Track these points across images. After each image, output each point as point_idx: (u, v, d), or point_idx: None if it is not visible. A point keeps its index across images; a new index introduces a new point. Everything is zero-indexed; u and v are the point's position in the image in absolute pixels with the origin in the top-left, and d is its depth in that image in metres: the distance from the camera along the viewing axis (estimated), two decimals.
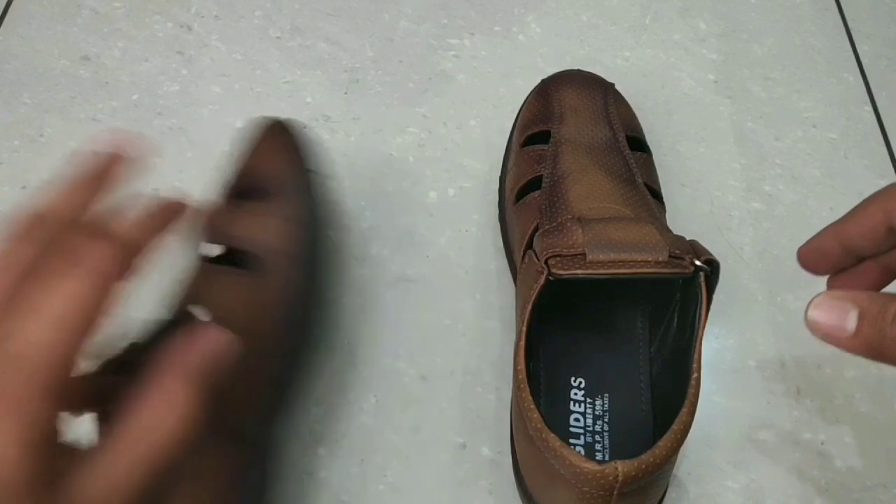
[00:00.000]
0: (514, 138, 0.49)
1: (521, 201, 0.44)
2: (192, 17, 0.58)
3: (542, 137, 0.46)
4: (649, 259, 0.35)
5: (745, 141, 0.55)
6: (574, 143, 0.45)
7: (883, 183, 0.53)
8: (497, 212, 0.49)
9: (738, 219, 0.51)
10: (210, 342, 0.27)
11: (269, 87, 0.55)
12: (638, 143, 0.47)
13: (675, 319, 0.39)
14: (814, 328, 0.30)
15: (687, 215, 0.50)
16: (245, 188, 0.41)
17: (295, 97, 0.55)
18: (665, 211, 0.44)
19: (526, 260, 0.39)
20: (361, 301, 0.47)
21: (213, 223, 0.38)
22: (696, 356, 0.34)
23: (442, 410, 0.44)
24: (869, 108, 0.57)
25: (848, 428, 0.44)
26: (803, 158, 0.54)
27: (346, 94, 0.55)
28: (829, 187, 0.53)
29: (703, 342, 0.35)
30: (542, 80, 0.50)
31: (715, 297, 0.37)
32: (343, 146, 0.53)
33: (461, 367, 0.45)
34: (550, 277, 0.36)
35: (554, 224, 0.39)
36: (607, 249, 0.36)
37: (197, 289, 0.37)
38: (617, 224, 0.38)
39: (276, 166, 0.41)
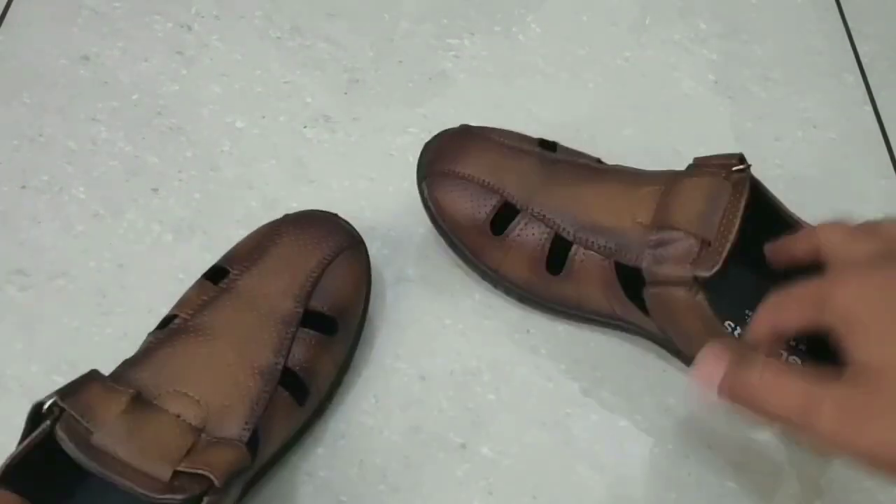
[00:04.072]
0: (468, 244, 0.46)
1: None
2: (192, 17, 0.58)
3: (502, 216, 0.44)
4: None
5: (745, 141, 0.55)
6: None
7: (883, 183, 0.54)
8: None
9: None
10: None
11: (269, 87, 0.55)
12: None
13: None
14: (693, 378, 0.33)
15: None
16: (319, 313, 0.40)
17: (295, 97, 0.55)
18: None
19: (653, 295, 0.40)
20: None
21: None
22: None
23: (442, 410, 0.44)
24: (869, 108, 0.57)
25: None
26: (803, 158, 0.54)
27: (346, 94, 0.55)
28: (829, 187, 0.53)
29: None
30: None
31: None
32: (343, 146, 0.53)
33: (461, 367, 0.45)
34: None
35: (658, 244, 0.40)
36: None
37: None
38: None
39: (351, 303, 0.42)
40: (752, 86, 0.57)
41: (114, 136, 0.52)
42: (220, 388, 0.36)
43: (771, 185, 0.40)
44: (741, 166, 0.39)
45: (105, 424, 0.32)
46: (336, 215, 0.44)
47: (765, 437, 0.43)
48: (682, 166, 0.43)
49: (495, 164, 0.44)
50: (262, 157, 0.52)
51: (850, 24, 0.61)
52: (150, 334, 0.38)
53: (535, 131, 0.47)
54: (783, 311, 0.33)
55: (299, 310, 0.39)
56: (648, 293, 0.40)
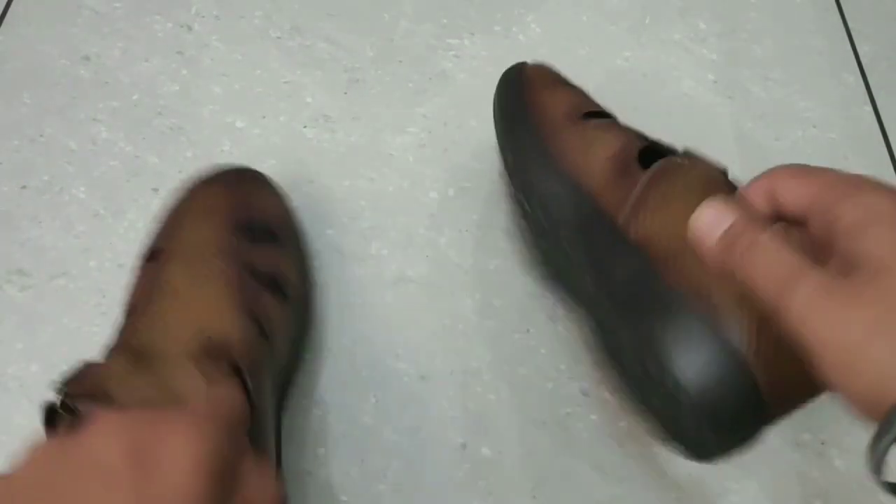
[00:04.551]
0: (552, 124, 0.45)
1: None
2: (192, 17, 0.58)
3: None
4: None
5: (745, 141, 0.55)
6: None
7: None
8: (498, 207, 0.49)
9: None
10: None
11: (269, 87, 0.55)
12: None
13: None
14: (692, 227, 0.29)
15: None
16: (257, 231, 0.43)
17: (295, 97, 0.55)
18: None
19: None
20: (361, 301, 0.47)
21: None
22: None
23: (442, 410, 0.44)
24: (869, 108, 0.57)
25: (848, 428, 0.44)
26: (803, 158, 0.54)
27: (346, 94, 0.55)
28: None
29: None
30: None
31: None
32: (343, 146, 0.53)
33: (461, 367, 0.45)
34: None
35: None
36: None
37: None
38: None
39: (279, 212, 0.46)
40: (752, 86, 0.57)
41: (114, 137, 0.52)
42: (207, 314, 0.37)
43: None
44: None
45: (120, 385, 0.33)
46: (228, 166, 0.46)
47: (764, 437, 0.43)
48: None
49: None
50: (262, 157, 0.52)
51: (850, 24, 0.61)
52: (119, 327, 0.38)
53: None
54: (793, 177, 0.29)
55: (238, 234, 0.41)
56: (668, 160, 0.40)
